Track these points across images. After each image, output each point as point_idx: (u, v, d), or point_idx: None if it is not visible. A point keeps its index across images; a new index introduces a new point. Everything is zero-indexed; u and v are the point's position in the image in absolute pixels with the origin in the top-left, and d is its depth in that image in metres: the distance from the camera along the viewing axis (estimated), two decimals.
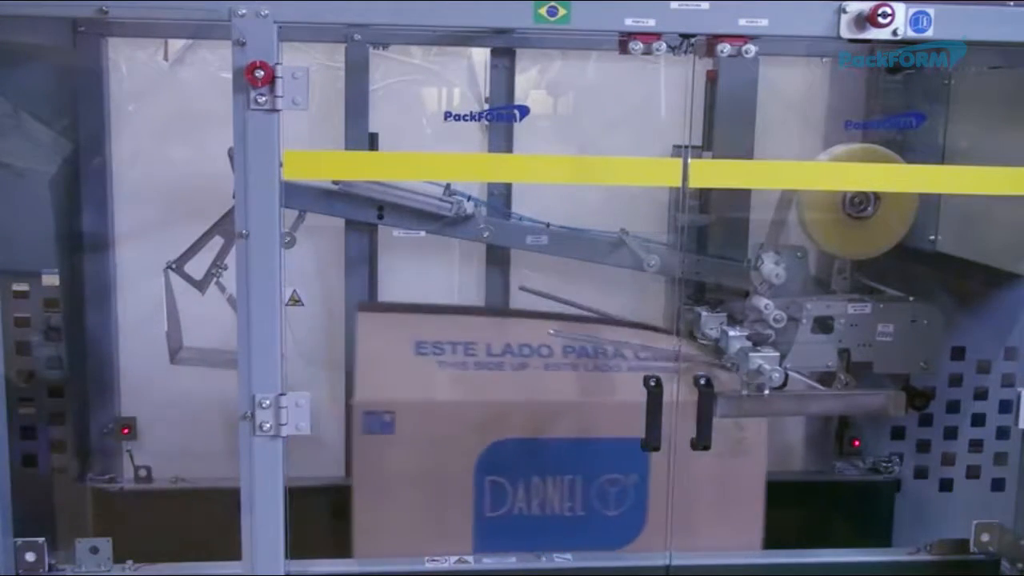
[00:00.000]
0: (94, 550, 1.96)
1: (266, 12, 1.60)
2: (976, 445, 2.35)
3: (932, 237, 2.23)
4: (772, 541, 2.21)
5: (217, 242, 2.22)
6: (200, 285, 2.23)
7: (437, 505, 2.08)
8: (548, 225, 2.42)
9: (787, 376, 2.06)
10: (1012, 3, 1.76)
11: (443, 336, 2.25)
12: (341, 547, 2.15)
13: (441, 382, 2.15)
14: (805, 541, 2.16)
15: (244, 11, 1.59)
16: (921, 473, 2.46)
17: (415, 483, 2.07)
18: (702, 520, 2.13)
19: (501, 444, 2.06)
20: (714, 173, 1.94)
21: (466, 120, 2.25)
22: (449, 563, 1.99)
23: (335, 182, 2.32)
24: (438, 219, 2.34)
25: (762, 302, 2.14)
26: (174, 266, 2.23)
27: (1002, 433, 2.28)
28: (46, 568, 1.92)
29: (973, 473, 2.36)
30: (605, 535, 2.11)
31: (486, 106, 2.48)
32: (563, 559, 2.03)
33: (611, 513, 2.13)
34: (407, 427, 2.04)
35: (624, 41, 1.69)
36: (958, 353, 2.33)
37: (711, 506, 2.15)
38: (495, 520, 2.08)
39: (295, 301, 2.11)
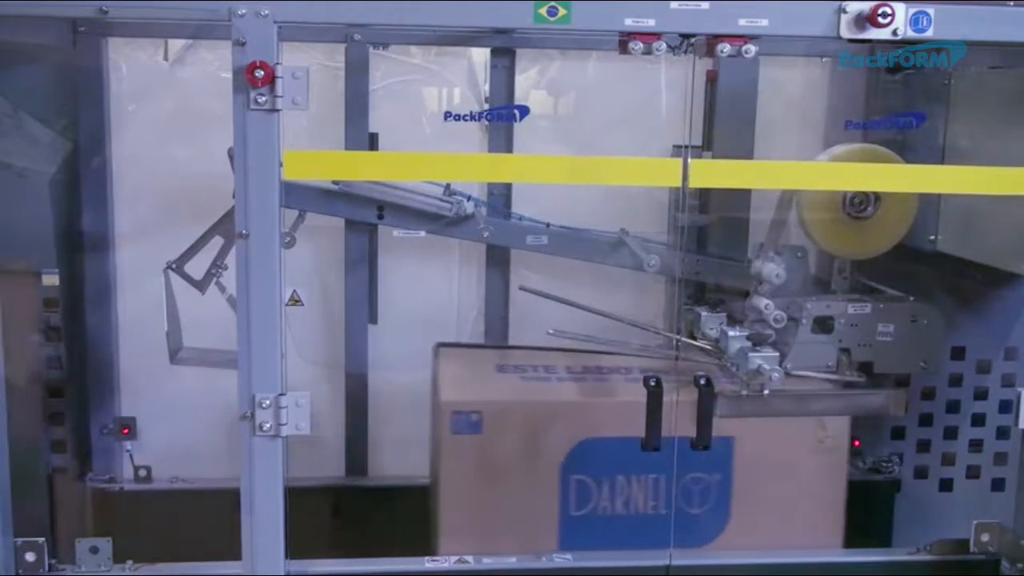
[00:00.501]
0: (94, 550, 1.96)
1: (266, 12, 1.60)
2: (976, 445, 2.35)
3: (932, 237, 2.22)
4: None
5: (217, 242, 2.22)
6: (200, 285, 2.23)
7: (523, 504, 2.10)
8: (548, 225, 2.42)
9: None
10: (1012, 3, 1.76)
11: (523, 361, 2.31)
12: (352, 547, 2.16)
13: (526, 388, 2.18)
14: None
15: (244, 11, 1.59)
16: (921, 473, 2.46)
17: (501, 482, 2.09)
18: (784, 519, 2.15)
19: (587, 443, 2.08)
20: (714, 173, 1.94)
21: (466, 120, 2.25)
22: (449, 563, 1.99)
23: (335, 182, 2.32)
24: (438, 219, 2.34)
25: (762, 302, 2.14)
26: (174, 266, 2.23)
27: (1002, 433, 2.27)
28: (46, 568, 1.92)
29: (973, 473, 2.36)
30: (688, 533, 2.13)
31: (486, 106, 2.48)
32: (563, 559, 2.03)
33: (694, 511, 2.15)
34: (494, 427, 2.07)
35: (624, 41, 1.69)
36: (958, 353, 2.33)
37: (792, 505, 2.17)
38: (580, 519, 2.10)
39: (295, 301, 2.11)
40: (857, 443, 2.54)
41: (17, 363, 2.19)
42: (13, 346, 2.15)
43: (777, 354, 2.08)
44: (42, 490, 2.33)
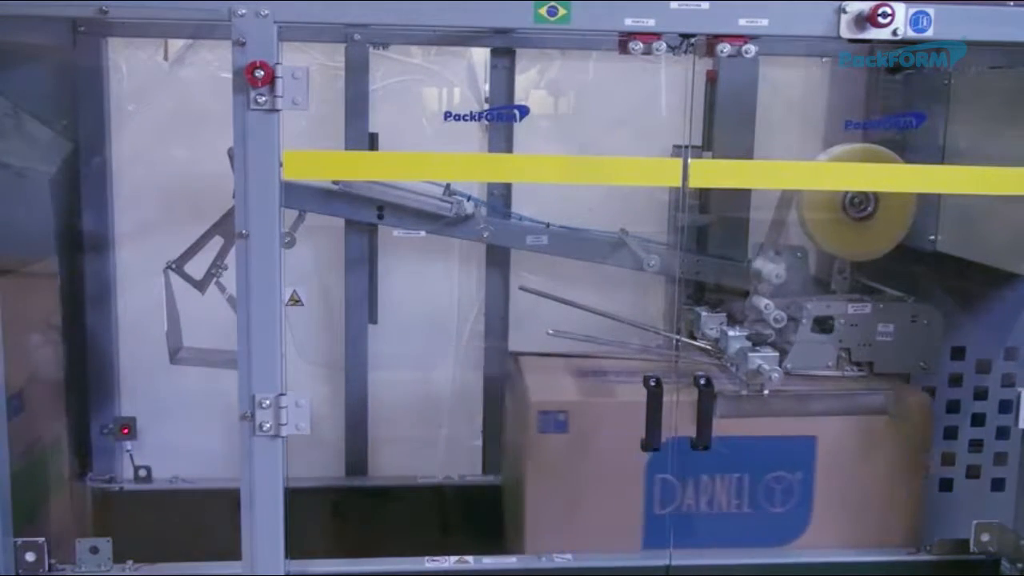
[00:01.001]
0: (94, 550, 1.96)
1: (266, 12, 1.60)
2: (976, 445, 2.35)
3: (932, 237, 2.22)
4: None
5: (217, 242, 2.22)
6: (200, 285, 2.23)
7: (608, 502, 2.11)
8: (548, 225, 2.43)
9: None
10: (1012, 3, 1.76)
11: (599, 366, 2.32)
12: (352, 547, 2.16)
13: (610, 388, 2.19)
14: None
15: (244, 11, 1.59)
16: None
17: (587, 481, 2.10)
18: (864, 519, 2.15)
19: (672, 443, 2.07)
20: (714, 173, 1.94)
21: (466, 120, 2.25)
22: (449, 563, 1.99)
23: (335, 182, 2.32)
24: (438, 219, 2.34)
25: (762, 302, 2.14)
26: (174, 266, 2.23)
27: (1002, 433, 2.27)
28: (46, 568, 1.92)
29: (973, 473, 2.35)
30: (770, 531, 2.13)
31: (486, 106, 2.48)
32: (563, 559, 2.03)
33: (777, 510, 2.14)
34: (580, 426, 2.08)
35: (624, 41, 1.69)
36: (958, 353, 2.32)
37: (872, 505, 2.16)
38: (664, 517, 2.11)
39: (295, 301, 2.11)
40: None
41: (37, 363, 2.22)
42: (33, 346, 2.18)
43: (777, 354, 2.08)
44: (64, 491, 2.33)
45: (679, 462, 2.08)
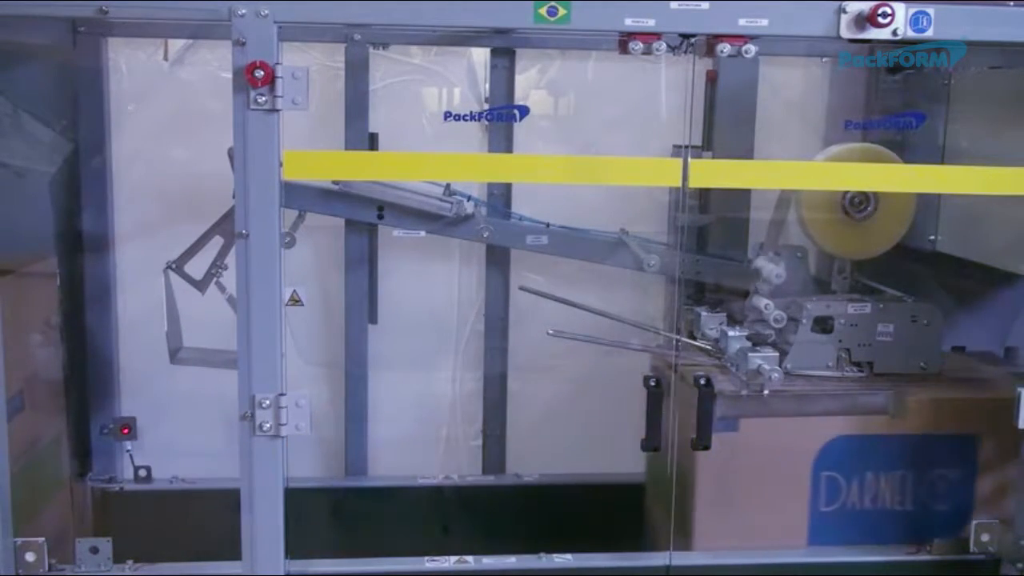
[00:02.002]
0: (94, 550, 1.96)
1: (266, 12, 1.60)
2: None
3: (932, 237, 2.23)
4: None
5: (217, 242, 2.22)
6: (200, 285, 2.23)
7: (775, 500, 2.13)
8: (548, 225, 2.42)
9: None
10: (1012, 3, 1.76)
11: None
12: (352, 547, 2.15)
13: (779, 387, 2.19)
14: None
15: (244, 11, 1.59)
16: None
17: (755, 479, 2.12)
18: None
19: (838, 441, 2.11)
20: (714, 173, 1.94)
21: (466, 120, 2.26)
22: (449, 563, 1.99)
23: (335, 182, 2.32)
24: (438, 219, 2.34)
25: (762, 302, 2.14)
26: (174, 266, 2.23)
27: None
28: (46, 568, 1.92)
29: None
30: (933, 529, 2.14)
31: (486, 106, 2.48)
32: (563, 559, 2.03)
33: (940, 508, 2.16)
34: (749, 425, 2.10)
35: (624, 41, 1.69)
36: (958, 353, 2.33)
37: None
38: (829, 514, 2.13)
39: (295, 301, 2.11)
40: None
41: (37, 363, 2.22)
42: (33, 345, 2.17)
43: (777, 354, 2.08)
44: (65, 492, 2.33)
45: (845, 460, 2.11)
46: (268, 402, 1.69)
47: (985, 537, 2.07)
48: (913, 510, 2.14)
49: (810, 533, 2.13)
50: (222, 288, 2.20)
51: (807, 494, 2.12)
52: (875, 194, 2.18)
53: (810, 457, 2.11)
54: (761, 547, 2.10)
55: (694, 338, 2.29)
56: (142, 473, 2.48)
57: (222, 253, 2.21)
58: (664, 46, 1.69)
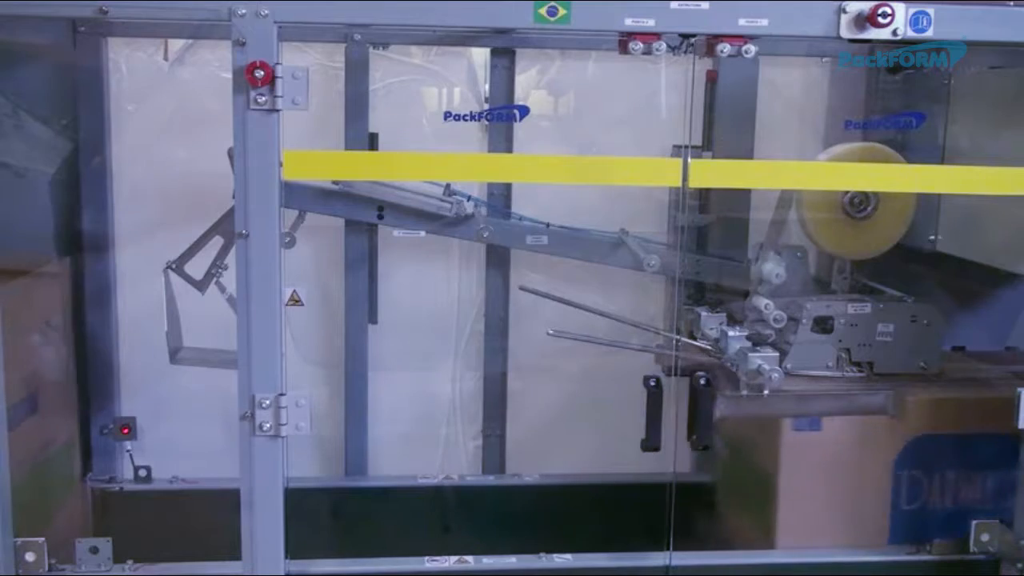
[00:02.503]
0: (94, 550, 1.96)
1: (266, 12, 1.60)
2: None
3: (932, 237, 2.22)
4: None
5: (217, 242, 2.22)
6: (200, 285, 2.23)
7: (856, 498, 2.14)
8: (548, 225, 2.42)
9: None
10: (1012, 3, 1.76)
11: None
12: (352, 547, 2.15)
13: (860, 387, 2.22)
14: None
15: (244, 11, 1.59)
16: None
17: (837, 478, 2.14)
18: None
19: (921, 440, 2.12)
20: (714, 173, 1.94)
21: (466, 120, 2.26)
22: (449, 563, 1.99)
23: (335, 182, 2.32)
24: (438, 219, 2.34)
25: (762, 302, 2.14)
26: (174, 266, 2.23)
27: None
28: (46, 568, 1.92)
29: None
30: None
31: (486, 106, 2.48)
32: (563, 559, 2.03)
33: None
34: (833, 424, 2.12)
35: (624, 41, 1.69)
36: (958, 353, 2.33)
37: None
38: (910, 513, 2.14)
39: (295, 301, 2.11)
40: None
41: (49, 364, 2.22)
42: (44, 346, 2.18)
43: (777, 354, 2.08)
44: (77, 492, 2.33)
45: (927, 459, 2.12)
46: (268, 402, 1.69)
47: (985, 537, 2.07)
48: (992, 509, 2.14)
49: (891, 532, 2.14)
50: (222, 288, 2.20)
51: (888, 493, 2.13)
52: (875, 194, 2.18)
53: (892, 456, 2.12)
54: (841, 545, 2.11)
55: (694, 338, 2.28)
56: (142, 473, 2.47)
57: (222, 253, 2.21)
58: (664, 46, 1.69)
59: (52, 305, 2.24)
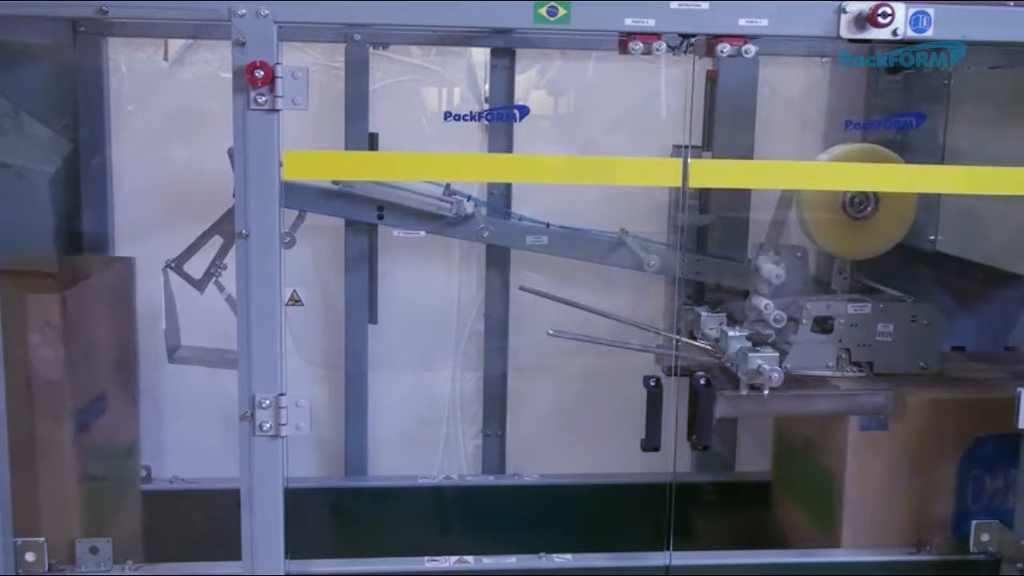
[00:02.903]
0: (94, 550, 1.96)
1: (266, 12, 1.60)
2: None
3: (932, 237, 2.22)
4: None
5: (217, 242, 2.22)
6: (199, 284, 2.23)
7: (921, 497, 2.15)
8: (548, 225, 2.42)
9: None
10: (1012, 3, 1.76)
11: None
12: (352, 547, 2.15)
13: (925, 387, 2.21)
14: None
15: (244, 11, 1.59)
16: None
17: (903, 477, 2.14)
18: None
19: (988, 440, 2.12)
20: (714, 173, 1.94)
21: (466, 120, 2.26)
22: (449, 563, 1.99)
23: (335, 182, 2.32)
24: (438, 219, 2.34)
25: (762, 302, 2.14)
26: (173, 265, 2.23)
27: None
28: (46, 568, 1.92)
29: None
30: None
31: (486, 106, 2.48)
32: (563, 559, 2.03)
33: None
34: (900, 424, 2.13)
35: (624, 41, 1.69)
36: (958, 353, 2.33)
37: None
38: (975, 513, 2.13)
39: (295, 301, 2.11)
40: None
41: (117, 365, 2.25)
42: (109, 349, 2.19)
43: (777, 354, 2.07)
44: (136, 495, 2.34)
45: (993, 459, 2.12)
46: (268, 402, 1.69)
47: (985, 537, 2.07)
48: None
49: (955, 532, 2.14)
50: (221, 287, 2.20)
51: (953, 493, 2.14)
52: (875, 194, 2.18)
53: (958, 456, 2.12)
54: (905, 544, 2.13)
55: (694, 338, 2.28)
56: (142, 473, 2.47)
57: (221, 252, 2.21)
58: (664, 46, 1.69)
59: (112, 310, 2.25)
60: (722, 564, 2.08)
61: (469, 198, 2.38)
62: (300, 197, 2.28)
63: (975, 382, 2.20)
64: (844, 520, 2.14)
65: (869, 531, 2.14)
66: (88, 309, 2.07)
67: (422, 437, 2.65)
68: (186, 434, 2.52)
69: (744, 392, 2.07)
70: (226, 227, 2.16)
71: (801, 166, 2.11)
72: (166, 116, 2.42)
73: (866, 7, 1.66)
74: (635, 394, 2.03)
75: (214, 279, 2.22)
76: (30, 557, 1.90)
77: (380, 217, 2.38)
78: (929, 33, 1.70)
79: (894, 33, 1.68)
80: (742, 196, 2.48)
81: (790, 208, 2.23)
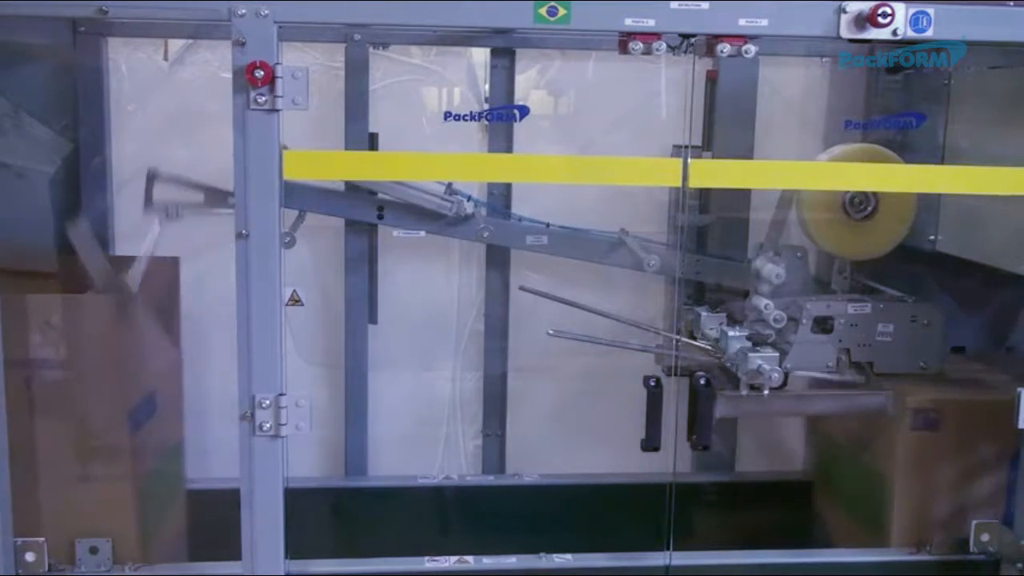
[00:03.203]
0: (94, 550, 1.96)
1: (266, 12, 1.60)
2: None
3: (932, 237, 2.22)
4: (774, 541, 2.21)
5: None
6: (150, 204, 2.25)
7: (970, 497, 2.15)
8: (548, 225, 2.42)
9: None
10: (1012, 3, 1.76)
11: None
12: (352, 547, 2.15)
13: (979, 389, 2.24)
14: (808, 541, 2.16)
15: (244, 11, 1.59)
16: None
17: (952, 476, 2.15)
18: None
19: None
20: (714, 173, 1.94)
21: (466, 120, 2.26)
22: (449, 563, 1.99)
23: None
24: (438, 219, 2.34)
25: (762, 302, 2.14)
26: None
27: None
28: (46, 568, 1.92)
29: None
30: None
31: (486, 106, 2.48)
32: (563, 559, 2.03)
33: None
34: (951, 425, 2.14)
35: (624, 41, 1.69)
36: (958, 353, 2.33)
37: None
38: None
39: (295, 301, 2.11)
40: None
41: (167, 364, 2.27)
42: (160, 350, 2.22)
43: (777, 354, 2.08)
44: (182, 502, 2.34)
45: None
46: (268, 402, 1.69)
47: (985, 537, 2.07)
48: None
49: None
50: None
51: (1003, 493, 2.13)
52: (875, 194, 2.18)
53: (1008, 455, 2.11)
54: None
55: (694, 338, 2.29)
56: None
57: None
58: (664, 46, 1.69)
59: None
60: (722, 564, 2.08)
61: (469, 198, 2.38)
62: (300, 197, 2.28)
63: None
64: (894, 517, 2.15)
65: (918, 531, 2.14)
66: (136, 310, 2.12)
67: (422, 437, 2.65)
68: (187, 434, 2.51)
69: (744, 392, 2.07)
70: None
71: (801, 166, 2.11)
72: (166, 116, 2.42)
73: (866, 7, 1.66)
74: (635, 394, 2.03)
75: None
76: (30, 557, 1.90)
77: (380, 217, 2.38)
78: (929, 33, 1.70)
79: (894, 33, 1.68)
80: (742, 196, 2.48)
81: (790, 208, 2.23)
